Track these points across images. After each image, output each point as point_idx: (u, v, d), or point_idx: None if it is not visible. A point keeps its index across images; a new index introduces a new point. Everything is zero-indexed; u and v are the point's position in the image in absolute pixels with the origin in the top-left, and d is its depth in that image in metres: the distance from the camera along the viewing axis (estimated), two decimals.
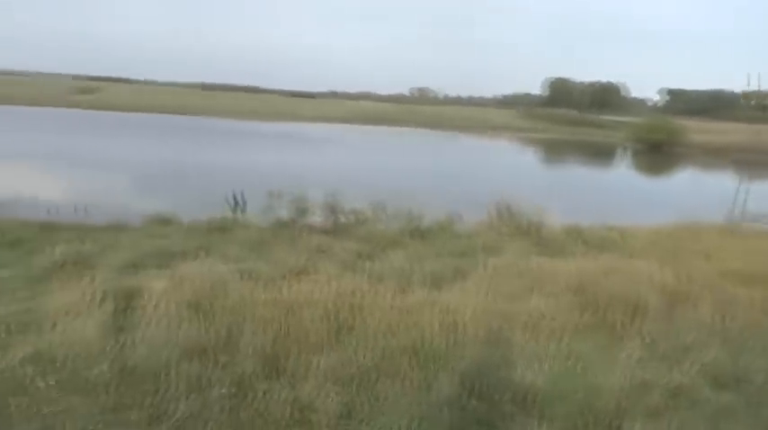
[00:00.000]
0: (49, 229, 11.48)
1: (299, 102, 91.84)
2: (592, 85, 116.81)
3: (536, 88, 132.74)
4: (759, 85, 70.16)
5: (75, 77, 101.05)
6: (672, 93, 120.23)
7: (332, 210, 13.50)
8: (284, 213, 13.93)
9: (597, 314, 7.13)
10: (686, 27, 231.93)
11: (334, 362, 5.39)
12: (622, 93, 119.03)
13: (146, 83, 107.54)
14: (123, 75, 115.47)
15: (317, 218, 13.88)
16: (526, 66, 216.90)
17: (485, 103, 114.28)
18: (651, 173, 42.10)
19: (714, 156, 49.41)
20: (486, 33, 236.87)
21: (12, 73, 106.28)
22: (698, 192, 28.84)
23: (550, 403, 5.08)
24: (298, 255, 9.44)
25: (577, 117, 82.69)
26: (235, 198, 15.12)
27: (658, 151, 52.02)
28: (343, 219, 13.83)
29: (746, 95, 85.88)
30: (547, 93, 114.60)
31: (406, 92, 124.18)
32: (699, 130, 60.17)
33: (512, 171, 34.00)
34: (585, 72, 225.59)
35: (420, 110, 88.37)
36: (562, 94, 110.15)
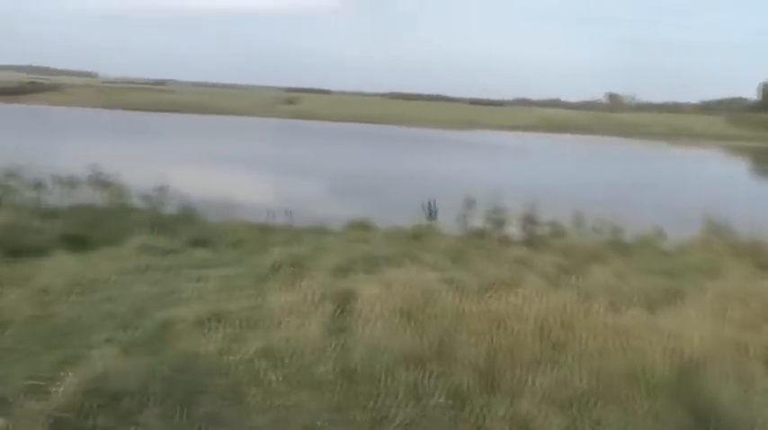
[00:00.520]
0: (263, 231, 12.45)
1: (484, 110, 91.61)
2: None
3: (747, 92, 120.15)
4: None
5: (280, 89, 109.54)
6: None
7: (529, 221, 13.22)
8: (478, 222, 13.94)
9: None
10: None
11: (550, 381, 5.20)
12: None
13: (340, 93, 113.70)
14: (321, 86, 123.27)
15: (512, 228, 13.68)
16: (735, 67, 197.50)
17: (685, 109, 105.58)
18: None
19: None
20: (686, 33, 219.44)
21: (224, 86, 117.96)
22: None
23: None
24: (499, 266, 9.33)
25: None
26: (429, 206, 15.39)
27: None
28: (539, 231, 13.51)
29: None
30: (761, 97, 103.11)
31: (597, 98, 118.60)
32: None
33: (720, 183, 31.06)
34: None
35: (613, 117, 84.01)
36: None
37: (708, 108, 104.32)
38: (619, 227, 13.40)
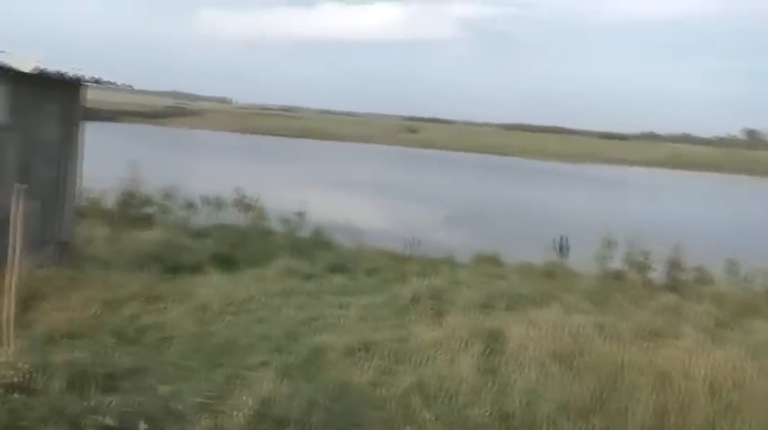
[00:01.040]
0: (396, 259, 12.52)
1: (608, 143, 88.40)
2: None
3: None
4: None
5: (401, 118, 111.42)
6: None
7: (674, 265, 12.43)
8: (616, 262, 13.27)
9: None
10: None
11: None
12: None
13: (460, 123, 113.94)
14: (441, 115, 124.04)
15: (653, 271, 12.93)
16: None
17: None
18: None
19: None
20: None
21: (347, 113, 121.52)
22: None
23: None
24: (648, 313, 8.81)
25: None
26: (561, 242, 14.89)
27: None
28: (683, 276, 12.68)
29: None
30: None
31: (732, 134, 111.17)
32: None
33: None
34: None
35: (750, 155, 78.27)
36: None
37: None
38: None
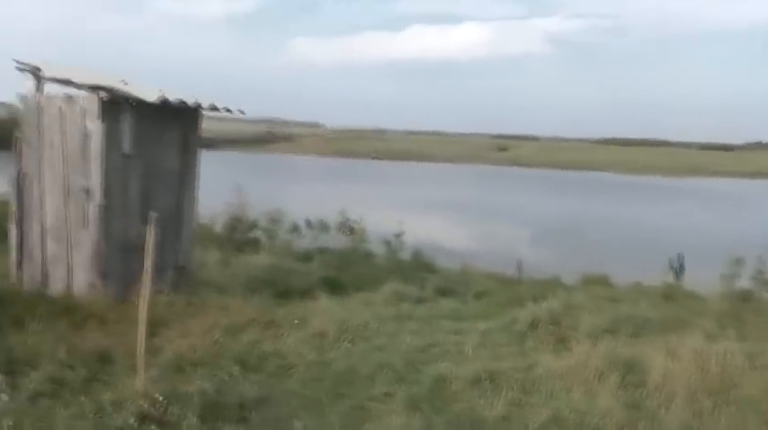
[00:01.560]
0: (502, 282, 12.12)
1: (712, 155, 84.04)
2: None
3: None
4: None
5: (490, 136, 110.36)
6: None
7: None
8: (742, 283, 12.30)
9: None
10: None
11: None
12: None
13: (551, 139, 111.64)
14: (532, 132, 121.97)
15: None
16: None
17: None
18: None
19: None
20: None
21: (435, 133, 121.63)
22: None
23: None
24: None
25: None
26: (677, 262, 14.03)
27: None
28: None
29: None
30: None
31: None
32: None
33: None
34: None
35: None
36: None
37: None
38: None
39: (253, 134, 78.83)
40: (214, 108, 7.79)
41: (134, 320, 6.58)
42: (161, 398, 4.59)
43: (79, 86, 7.41)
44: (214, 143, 55.63)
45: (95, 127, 7.17)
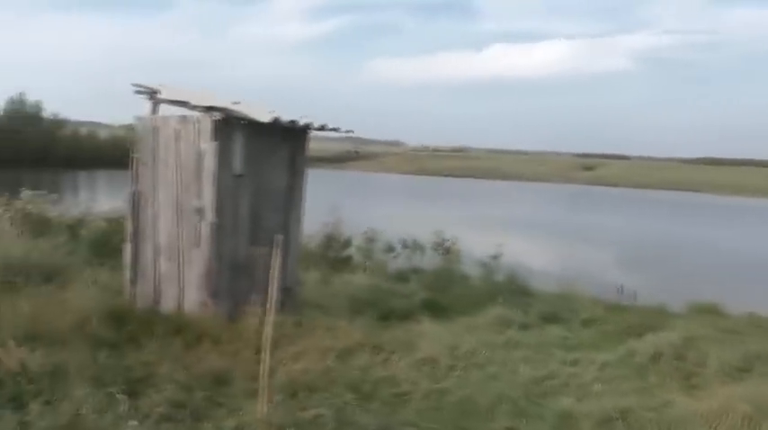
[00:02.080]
0: (608, 309, 11.47)
1: None
2: None
3: None
4: None
5: (574, 155, 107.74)
6: None
7: None
8: None
9: None
10: None
11: None
12: None
13: (638, 158, 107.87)
14: (617, 151, 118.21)
15: None
16: None
17: None
18: None
19: None
20: None
21: (517, 152, 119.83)
22: None
23: None
24: None
25: None
26: None
27: None
28: None
29: None
30: None
31: None
32: None
33: None
34: None
35: None
36: None
37: None
38: None
39: (337, 152, 79.97)
40: (323, 128, 7.72)
41: (246, 340, 6.55)
42: (283, 428, 4.44)
43: (193, 107, 7.50)
44: None
45: (209, 147, 7.23)
